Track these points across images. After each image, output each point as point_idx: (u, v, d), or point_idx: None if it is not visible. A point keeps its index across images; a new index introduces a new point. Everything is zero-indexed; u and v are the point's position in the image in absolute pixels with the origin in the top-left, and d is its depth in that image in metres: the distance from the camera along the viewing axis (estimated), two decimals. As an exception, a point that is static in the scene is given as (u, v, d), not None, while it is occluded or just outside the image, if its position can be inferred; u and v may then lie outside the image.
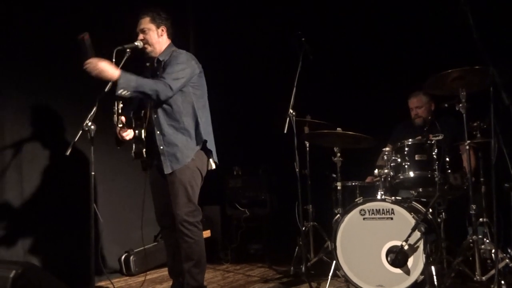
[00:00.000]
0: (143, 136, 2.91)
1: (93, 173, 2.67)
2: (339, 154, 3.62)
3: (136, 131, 2.92)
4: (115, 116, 2.76)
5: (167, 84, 2.77)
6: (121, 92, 2.65)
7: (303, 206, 3.65)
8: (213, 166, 3.04)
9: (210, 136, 3.02)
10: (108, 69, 2.63)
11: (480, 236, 2.92)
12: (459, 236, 3.23)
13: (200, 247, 2.87)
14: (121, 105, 2.77)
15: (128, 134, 2.89)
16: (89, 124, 2.59)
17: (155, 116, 2.88)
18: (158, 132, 2.87)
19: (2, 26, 3.46)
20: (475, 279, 2.86)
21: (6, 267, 2.05)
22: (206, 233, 4.61)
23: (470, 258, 2.98)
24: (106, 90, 2.70)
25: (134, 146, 2.94)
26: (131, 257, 4.01)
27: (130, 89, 2.68)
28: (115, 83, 2.64)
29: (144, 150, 2.91)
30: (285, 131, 3.36)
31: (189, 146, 2.90)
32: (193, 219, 2.84)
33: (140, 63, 3.12)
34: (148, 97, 2.77)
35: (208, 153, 3.00)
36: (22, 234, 3.47)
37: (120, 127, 2.80)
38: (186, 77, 2.86)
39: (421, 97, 3.83)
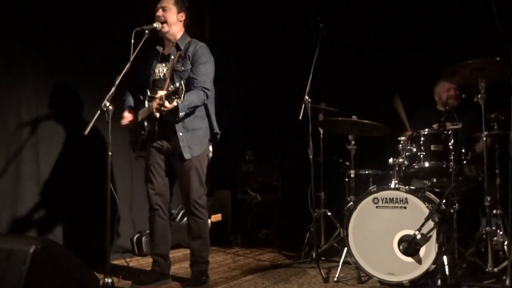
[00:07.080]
0: (157, 115, 2.90)
1: (110, 153, 2.69)
2: (353, 142, 3.63)
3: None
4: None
5: (205, 89, 2.95)
6: (181, 114, 2.87)
7: (315, 193, 3.66)
8: (210, 154, 3.18)
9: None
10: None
11: (493, 228, 2.91)
12: (471, 228, 3.22)
13: (207, 227, 3.11)
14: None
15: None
16: (107, 104, 2.61)
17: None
18: (177, 119, 2.92)
19: (22, 7, 3.46)
20: (486, 270, 2.85)
21: (26, 242, 2.07)
22: (217, 217, 4.63)
23: (482, 250, 2.96)
24: (124, 71, 2.72)
25: (146, 124, 2.97)
26: (143, 238, 4.06)
27: (185, 109, 2.85)
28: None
29: (157, 126, 2.95)
30: (300, 118, 3.36)
31: (206, 133, 3.06)
32: (203, 201, 3.05)
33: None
34: (198, 106, 2.96)
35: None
36: (38, 211, 3.52)
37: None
38: (213, 73, 3.04)
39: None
